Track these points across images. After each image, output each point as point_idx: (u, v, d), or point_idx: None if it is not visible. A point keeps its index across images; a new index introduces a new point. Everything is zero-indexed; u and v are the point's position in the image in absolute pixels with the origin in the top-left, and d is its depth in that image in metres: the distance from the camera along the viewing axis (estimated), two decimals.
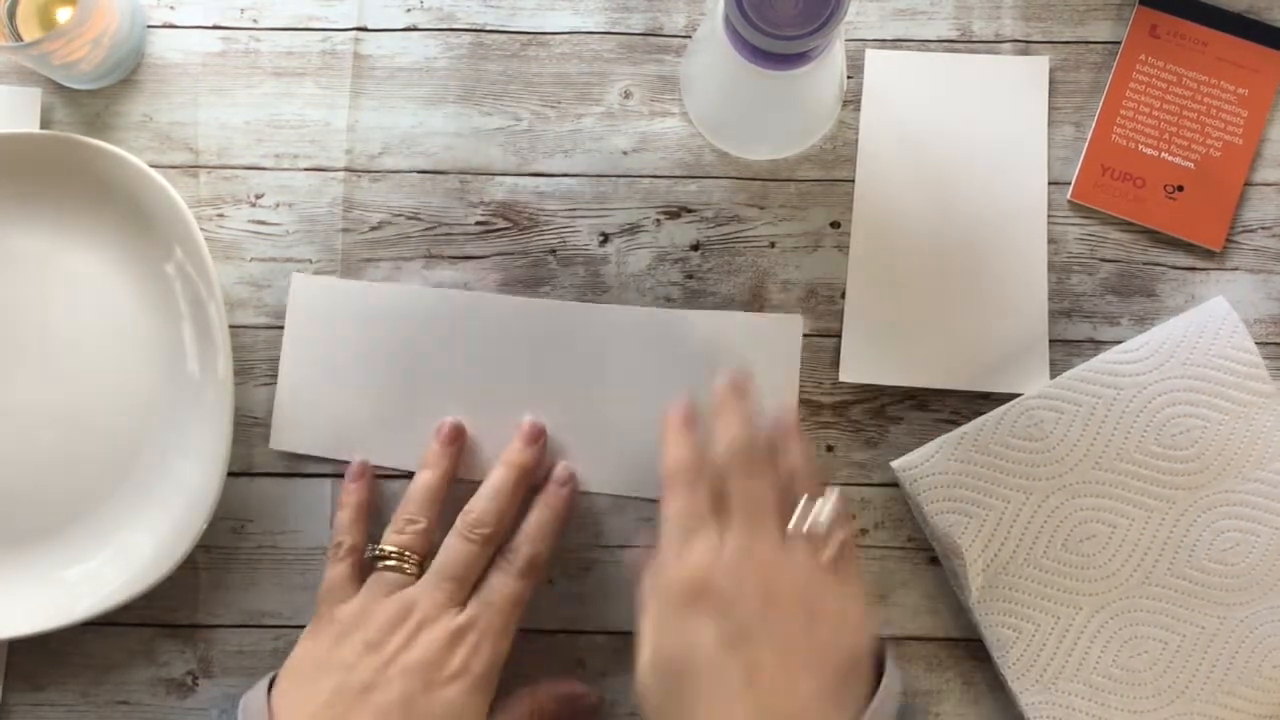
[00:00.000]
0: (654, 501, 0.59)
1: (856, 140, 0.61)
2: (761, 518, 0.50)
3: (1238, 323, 0.58)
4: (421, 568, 0.55)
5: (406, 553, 0.55)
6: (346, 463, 0.59)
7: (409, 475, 0.59)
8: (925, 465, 0.57)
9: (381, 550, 0.55)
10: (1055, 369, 0.60)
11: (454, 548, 0.54)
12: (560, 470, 0.58)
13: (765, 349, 0.60)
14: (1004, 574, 0.57)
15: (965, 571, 0.57)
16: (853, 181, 0.61)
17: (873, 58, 0.62)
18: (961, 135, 0.61)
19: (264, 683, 0.53)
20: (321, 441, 0.60)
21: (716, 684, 0.46)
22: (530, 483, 0.58)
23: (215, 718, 0.52)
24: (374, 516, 0.58)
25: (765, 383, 0.58)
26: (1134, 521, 0.57)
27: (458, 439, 0.58)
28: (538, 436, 0.58)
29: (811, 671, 0.47)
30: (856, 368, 0.60)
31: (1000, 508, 0.57)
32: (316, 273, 0.61)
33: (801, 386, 0.60)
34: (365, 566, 0.56)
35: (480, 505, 0.55)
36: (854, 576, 0.51)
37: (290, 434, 0.60)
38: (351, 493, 0.58)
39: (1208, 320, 0.58)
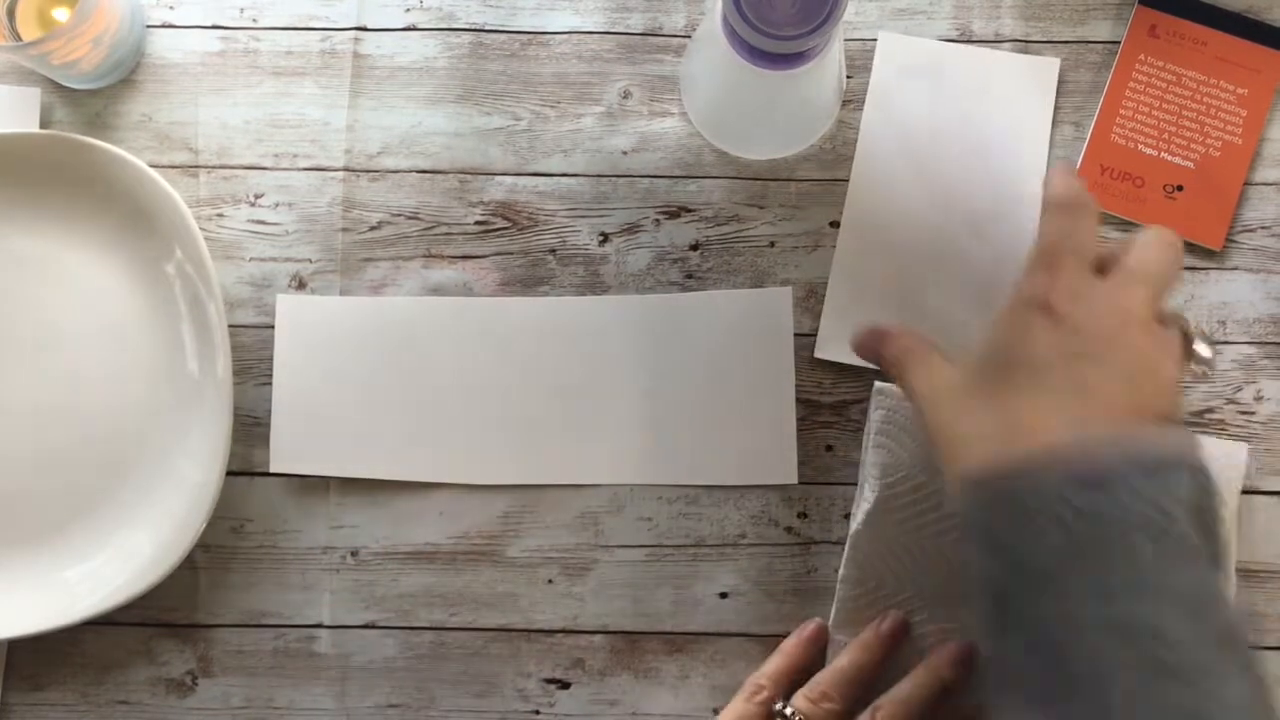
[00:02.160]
0: (658, 488, 0.59)
1: (856, 139, 0.61)
2: (1129, 282, 0.50)
3: (1240, 475, 0.57)
4: None
5: None
6: (349, 479, 0.59)
7: (413, 486, 0.59)
8: (899, 400, 0.58)
9: (792, 713, 0.54)
10: None
11: None
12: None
13: (758, 322, 0.60)
14: (890, 526, 0.57)
15: (864, 506, 0.57)
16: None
17: (885, 39, 0.61)
18: (964, 133, 0.61)
19: None
20: (321, 461, 0.59)
21: (1044, 384, 0.47)
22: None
23: None
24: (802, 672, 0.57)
25: (760, 354, 0.60)
26: None
27: (898, 634, 0.56)
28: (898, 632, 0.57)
29: (1130, 413, 0.47)
30: (834, 349, 0.60)
31: (929, 477, 0.57)
32: (316, 272, 0.61)
33: (801, 386, 0.60)
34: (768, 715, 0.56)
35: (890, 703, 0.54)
36: (1177, 339, 0.51)
37: (290, 456, 0.60)
38: (795, 648, 0.57)
39: (1217, 454, 0.57)
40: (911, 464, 0.57)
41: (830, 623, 0.58)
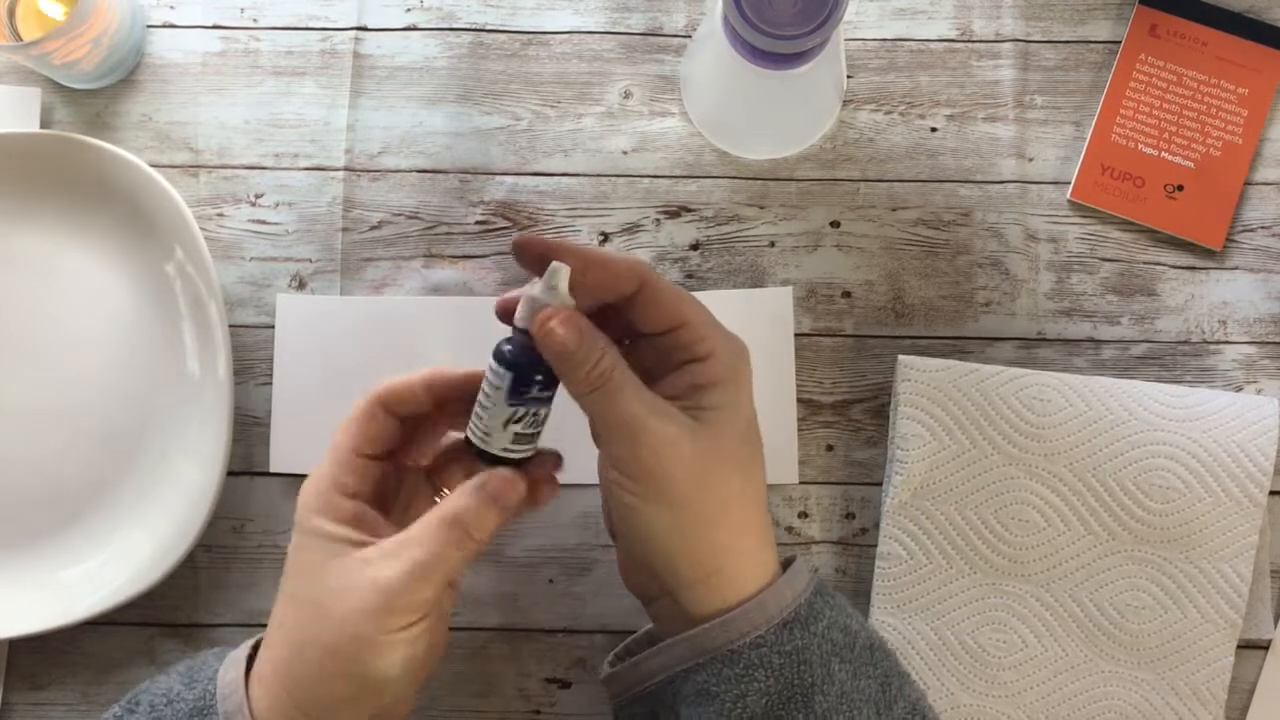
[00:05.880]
0: None
1: (856, 140, 0.61)
2: None
3: (1275, 428, 0.57)
4: None
5: None
6: None
7: None
8: (925, 374, 0.58)
9: None
10: (1055, 368, 0.60)
11: None
12: None
13: (758, 322, 0.60)
14: (928, 500, 0.57)
15: (898, 479, 0.57)
16: (855, 181, 0.61)
17: None
18: None
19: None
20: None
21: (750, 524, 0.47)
22: None
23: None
24: None
25: (760, 354, 0.59)
26: (1069, 531, 0.57)
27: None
28: None
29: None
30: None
31: (964, 446, 0.57)
32: (316, 272, 0.61)
33: (801, 386, 0.60)
34: None
35: None
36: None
37: (290, 455, 0.60)
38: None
39: (1250, 409, 0.58)
40: (943, 432, 0.57)
41: (871, 603, 0.58)
